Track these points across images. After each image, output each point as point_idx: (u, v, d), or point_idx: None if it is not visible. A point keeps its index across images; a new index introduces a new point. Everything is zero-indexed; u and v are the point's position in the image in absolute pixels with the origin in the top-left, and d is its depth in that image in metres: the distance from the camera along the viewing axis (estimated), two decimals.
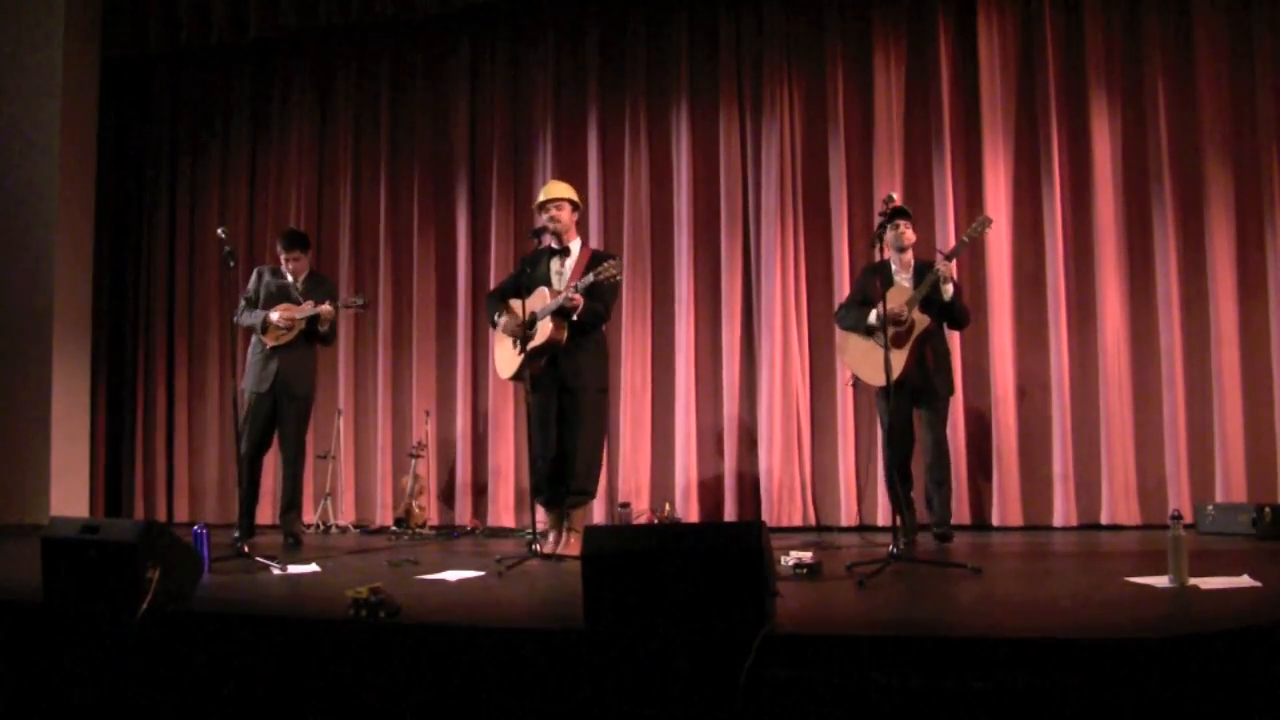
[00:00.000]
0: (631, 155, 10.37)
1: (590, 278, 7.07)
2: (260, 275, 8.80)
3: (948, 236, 9.17)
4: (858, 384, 8.05)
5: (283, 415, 8.56)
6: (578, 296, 7.13)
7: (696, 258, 10.05)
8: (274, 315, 8.45)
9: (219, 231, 7.95)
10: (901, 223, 7.75)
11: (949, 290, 7.62)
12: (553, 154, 10.61)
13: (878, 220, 6.68)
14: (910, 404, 7.75)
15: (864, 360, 7.69)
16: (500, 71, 10.92)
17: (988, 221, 7.73)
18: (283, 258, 8.72)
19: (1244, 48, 8.93)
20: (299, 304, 8.53)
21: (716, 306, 9.98)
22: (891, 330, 7.48)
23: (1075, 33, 9.27)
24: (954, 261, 7.79)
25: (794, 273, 9.74)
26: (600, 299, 7.32)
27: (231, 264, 7.64)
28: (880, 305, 7.08)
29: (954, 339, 8.46)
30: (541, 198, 7.69)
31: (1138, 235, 9.05)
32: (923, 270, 7.71)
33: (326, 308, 8.44)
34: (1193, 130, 8.97)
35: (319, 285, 8.80)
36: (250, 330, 8.67)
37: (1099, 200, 9.06)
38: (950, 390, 7.93)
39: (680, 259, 10.09)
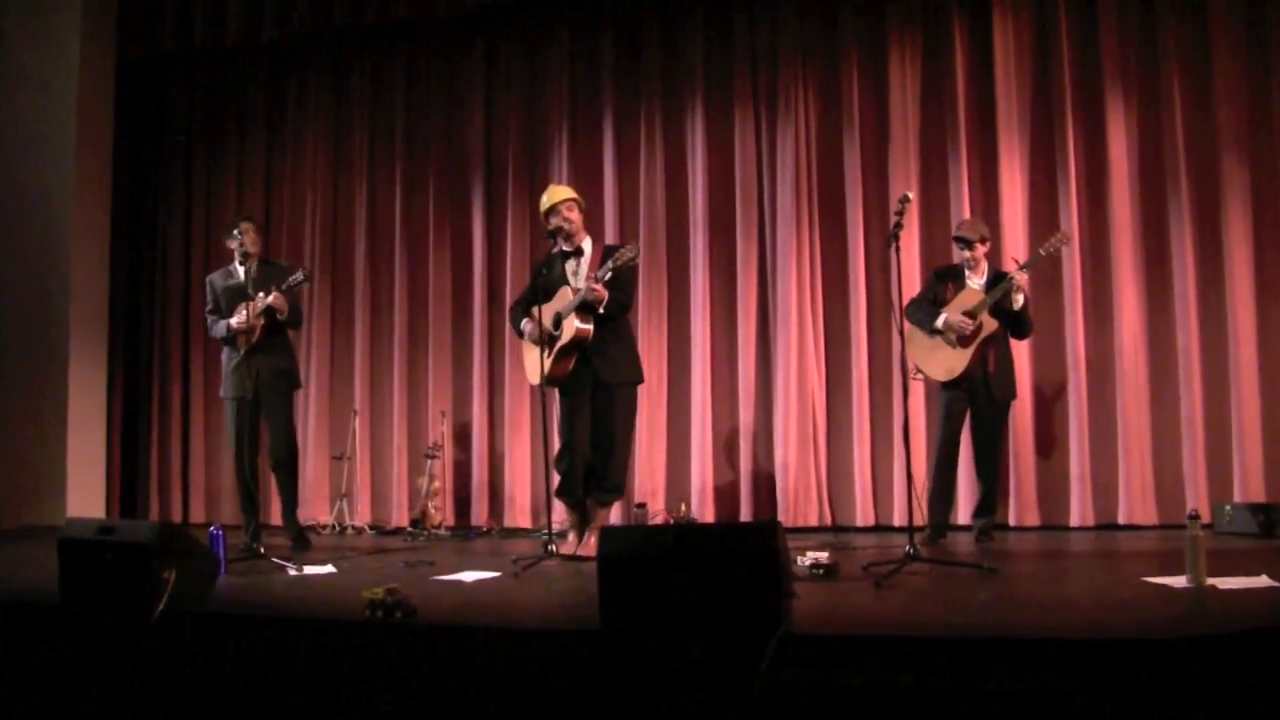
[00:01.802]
0: (647, 154, 10.36)
1: (609, 265, 7.09)
2: (211, 285, 8.58)
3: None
4: (917, 377, 8.24)
5: (270, 412, 8.41)
6: (599, 288, 7.14)
7: (712, 257, 10.05)
8: (234, 321, 8.19)
9: (226, 242, 7.93)
10: (963, 248, 8.16)
11: (1019, 300, 7.85)
12: (568, 154, 10.61)
13: (893, 219, 6.66)
14: (967, 403, 8.04)
15: (929, 355, 8.07)
16: (515, 72, 10.92)
17: (1065, 238, 8.07)
18: (235, 244, 8.34)
19: (1260, 45, 8.88)
20: (252, 299, 8.20)
21: (732, 305, 9.97)
22: (955, 333, 7.93)
23: (1090, 31, 9.24)
24: (1027, 273, 7.93)
25: (809, 271, 9.73)
26: (621, 287, 7.34)
27: (246, 264, 7.63)
28: (948, 312, 7.93)
29: None
30: (547, 203, 7.67)
31: (1154, 234, 9.02)
32: (996, 276, 8.03)
33: (275, 298, 8.09)
34: (1209, 128, 8.94)
35: (270, 273, 8.46)
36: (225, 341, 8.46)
37: (1115, 199, 9.04)
38: (1009, 395, 8.19)
39: (695, 258, 10.09)
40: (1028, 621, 4.56)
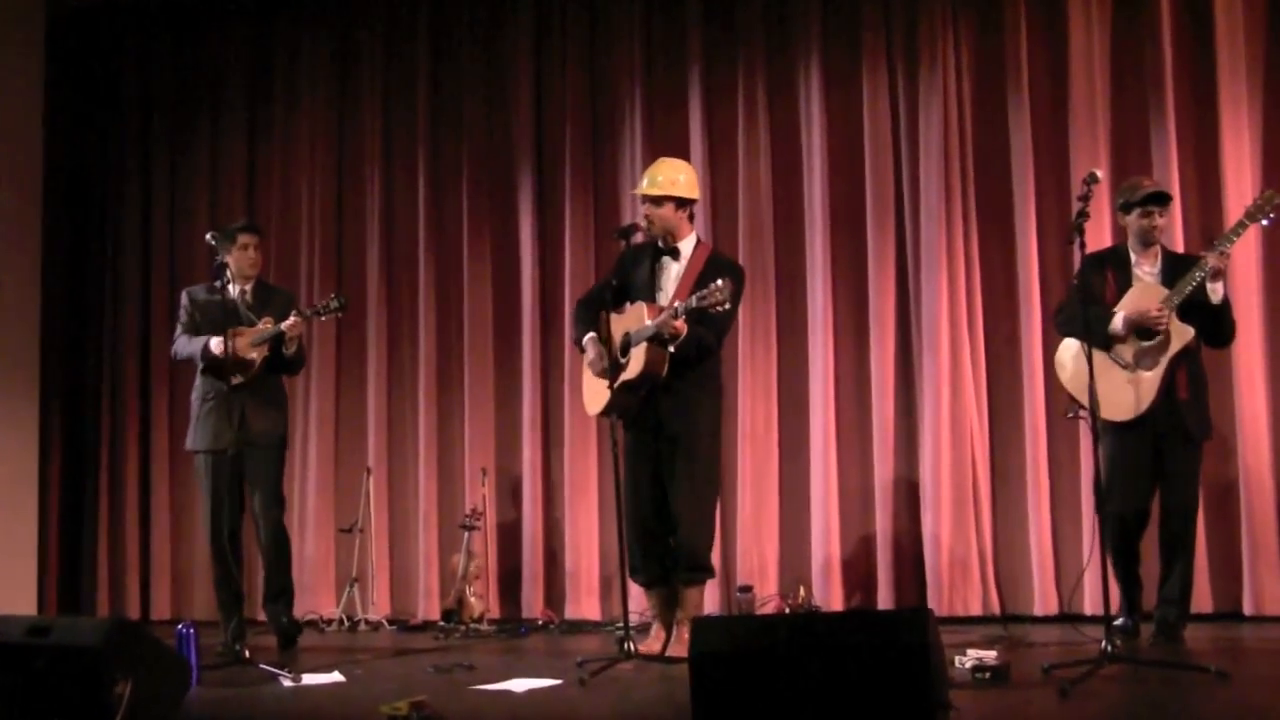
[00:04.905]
0: (747, 134, 10.36)
1: (693, 299, 7.07)
2: (192, 299, 8.67)
3: (1174, 225, 8.97)
4: (1077, 414, 7.74)
5: (254, 472, 8.45)
6: (680, 322, 7.13)
7: (835, 263, 10.03)
8: (215, 345, 8.10)
9: (209, 238, 7.99)
10: (1156, 211, 7.55)
11: (1219, 290, 7.29)
12: (643, 135, 10.63)
13: (1076, 207, 6.59)
14: (1152, 447, 7.48)
15: (1095, 382, 6.91)
16: (574, 30, 10.99)
17: (1277, 198, 7.24)
18: (231, 257, 8.36)
19: None
20: (253, 324, 8.29)
21: (863, 325, 9.94)
22: (1135, 345, 7.37)
23: None
24: (1226, 252, 7.32)
25: (964, 280, 9.67)
26: (710, 325, 7.35)
27: (226, 278, 7.68)
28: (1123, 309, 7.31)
29: None
30: (648, 186, 7.73)
31: None
32: (1176, 263, 7.53)
33: (293, 321, 8.15)
34: None
35: (271, 297, 8.64)
36: (202, 368, 8.45)
37: None
38: (1206, 433, 7.67)
39: (814, 265, 10.06)
40: None
